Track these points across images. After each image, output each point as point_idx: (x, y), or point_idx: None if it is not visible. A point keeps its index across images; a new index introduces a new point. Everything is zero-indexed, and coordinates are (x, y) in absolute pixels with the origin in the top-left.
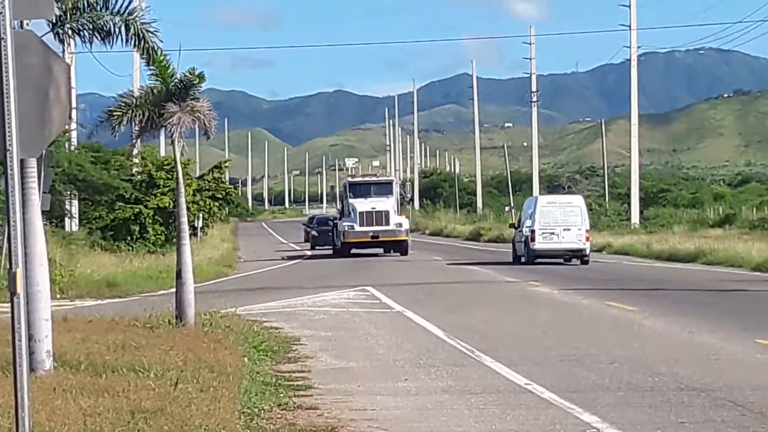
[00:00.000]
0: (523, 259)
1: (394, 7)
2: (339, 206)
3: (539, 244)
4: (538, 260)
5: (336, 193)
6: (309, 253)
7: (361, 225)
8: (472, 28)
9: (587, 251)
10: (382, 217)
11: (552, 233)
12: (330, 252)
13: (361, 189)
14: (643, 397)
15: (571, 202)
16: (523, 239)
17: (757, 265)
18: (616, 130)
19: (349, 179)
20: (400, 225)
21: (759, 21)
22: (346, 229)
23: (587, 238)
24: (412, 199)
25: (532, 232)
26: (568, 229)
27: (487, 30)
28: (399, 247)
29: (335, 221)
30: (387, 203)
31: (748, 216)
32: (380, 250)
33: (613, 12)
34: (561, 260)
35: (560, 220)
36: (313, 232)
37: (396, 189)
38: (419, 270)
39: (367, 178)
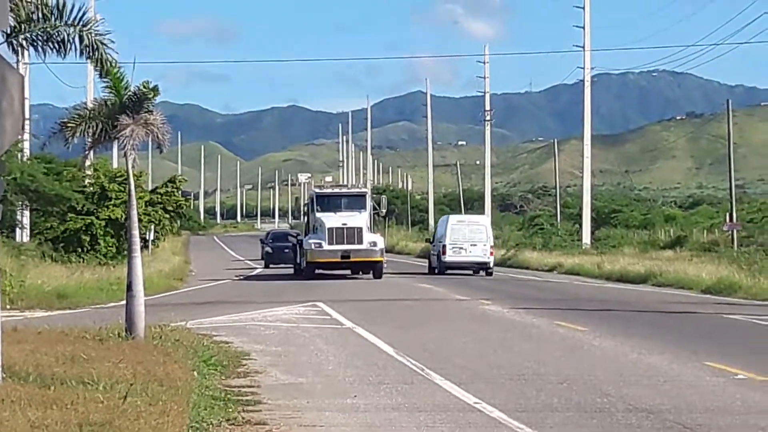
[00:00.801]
0: (436, 270)
1: (350, 24)
2: (304, 221)
3: (449, 257)
4: (450, 271)
5: (301, 205)
6: (257, 271)
7: (330, 243)
8: (427, 47)
9: (491, 264)
10: (354, 234)
11: (461, 248)
12: (290, 271)
13: (330, 202)
14: (592, 418)
15: (478, 221)
16: (436, 253)
17: (706, 287)
18: (568, 150)
19: (317, 190)
20: (375, 244)
21: (711, 45)
22: (313, 247)
23: (491, 253)
24: (387, 215)
25: (444, 246)
26: (475, 245)
27: (442, 48)
28: (373, 268)
29: (298, 238)
30: (360, 219)
31: (699, 238)
32: (348, 271)
33: (567, 33)
34: (470, 272)
35: (468, 236)
36: (267, 249)
37: (370, 203)
38: (371, 286)
39: (337, 190)
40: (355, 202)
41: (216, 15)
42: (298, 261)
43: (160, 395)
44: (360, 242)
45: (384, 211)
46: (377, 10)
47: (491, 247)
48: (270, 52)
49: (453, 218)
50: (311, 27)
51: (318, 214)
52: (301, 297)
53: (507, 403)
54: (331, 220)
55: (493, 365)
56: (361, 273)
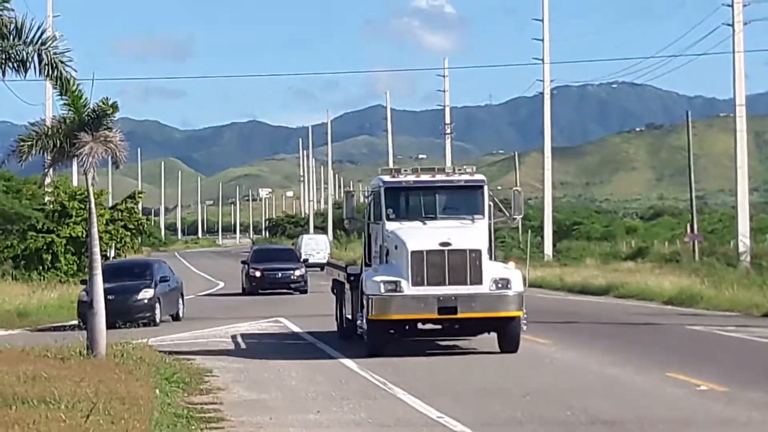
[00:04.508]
0: None
1: (308, 39)
2: (363, 237)
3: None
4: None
5: (353, 207)
6: (219, 287)
7: (417, 282)
8: (386, 60)
9: (325, 264)
10: (464, 263)
11: (310, 255)
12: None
13: (414, 201)
14: (556, 431)
15: (320, 238)
16: None
17: (668, 298)
18: (529, 163)
19: (385, 179)
20: (506, 283)
21: (670, 56)
22: (382, 290)
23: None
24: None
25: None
26: (319, 252)
27: (401, 62)
28: (500, 329)
29: (348, 271)
30: (473, 234)
31: (660, 249)
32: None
33: (526, 45)
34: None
35: (314, 247)
36: (255, 273)
37: (488, 203)
38: (331, 302)
39: (426, 177)
40: (464, 200)
41: (172, 32)
42: (345, 314)
43: (122, 413)
44: (477, 280)
45: (519, 216)
46: (331, 24)
47: (328, 254)
48: (227, 67)
49: (305, 237)
50: (267, 42)
51: (390, 226)
52: (263, 312)
53: (471, 418)
54: (417, 236)
55: (455, 379)
56: (461, 335)
